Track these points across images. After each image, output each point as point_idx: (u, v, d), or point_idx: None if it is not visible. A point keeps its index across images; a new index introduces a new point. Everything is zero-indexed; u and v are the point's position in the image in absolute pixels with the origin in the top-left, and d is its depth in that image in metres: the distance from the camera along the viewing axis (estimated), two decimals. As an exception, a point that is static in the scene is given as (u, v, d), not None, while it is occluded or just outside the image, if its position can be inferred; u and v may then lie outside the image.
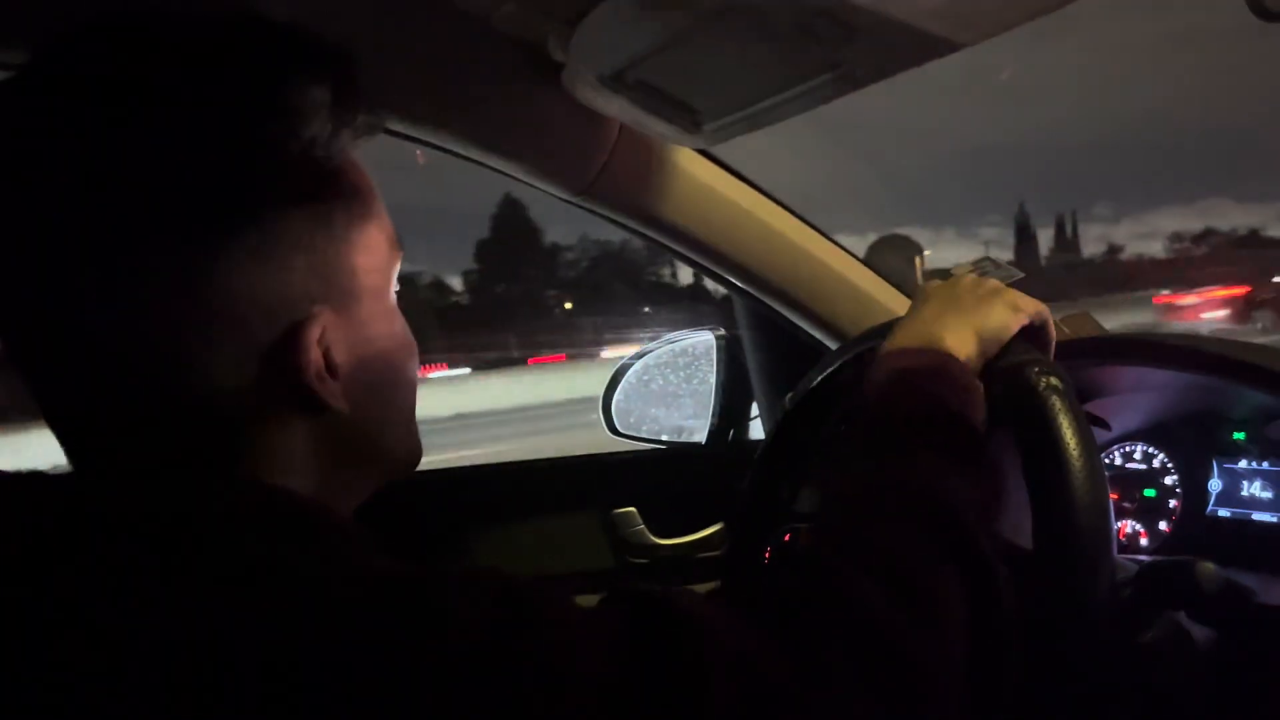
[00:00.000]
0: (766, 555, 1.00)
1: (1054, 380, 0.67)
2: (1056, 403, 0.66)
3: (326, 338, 0.49)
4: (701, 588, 0.89)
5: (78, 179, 0.44)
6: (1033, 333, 0.73)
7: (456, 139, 0.97)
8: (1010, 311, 0.71)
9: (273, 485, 0.48)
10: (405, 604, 0.40)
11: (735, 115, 0.90)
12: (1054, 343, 0.75)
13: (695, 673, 0.41)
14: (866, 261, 1.18)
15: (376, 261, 0.53)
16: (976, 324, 0.69)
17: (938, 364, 0.66)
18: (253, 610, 0.39)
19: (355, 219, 0.51)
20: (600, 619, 0.43)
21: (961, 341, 0.68)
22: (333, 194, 0.49)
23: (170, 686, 0.37)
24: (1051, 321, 0.75)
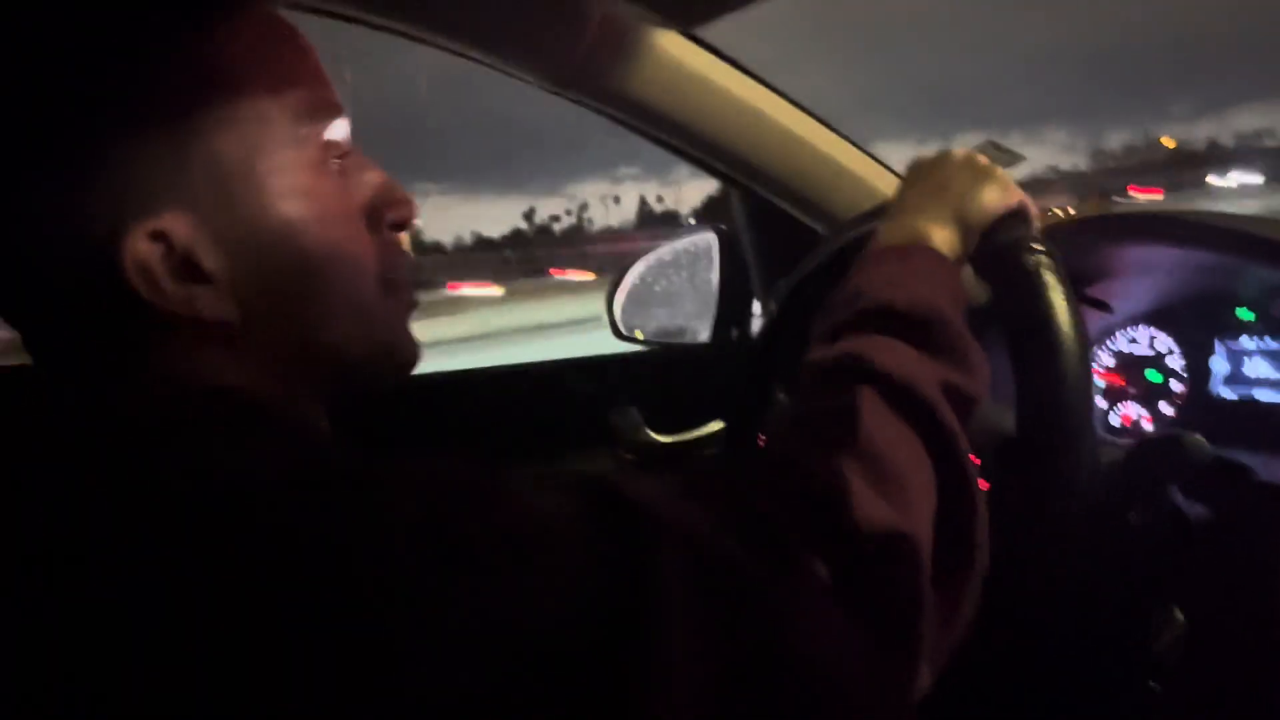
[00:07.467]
0: (762, 441, 0.99)
1: (1043, 256, 0.65)
2: (1044, 277, 0.65)
3: (183, 240, 0.44)
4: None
5: None
6: (1018, 214, 0.70)
7: (432, 29, 0.94)
8: (999, 191, 0.68)
9: (208, 385, 0.46)
10: (344, 503, 0.39)
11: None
12: (1035, 224, 0.73)
13: (646, 557, 0.40)
14: (860, 145, 1.14)
15: (255, 143, 0.46)
16: (961, 204, 0.67)
17: (912, 249, 0.64)
18: (177, 522, 0.37)
19: (211, 104, 0.45)
20: (550, 510, 0.42)
21: (943, 224, 0.66)
22: (169, 85, 0.44)
23: (90, 607, 0.36)
24: (1033, 206, 0.72)
